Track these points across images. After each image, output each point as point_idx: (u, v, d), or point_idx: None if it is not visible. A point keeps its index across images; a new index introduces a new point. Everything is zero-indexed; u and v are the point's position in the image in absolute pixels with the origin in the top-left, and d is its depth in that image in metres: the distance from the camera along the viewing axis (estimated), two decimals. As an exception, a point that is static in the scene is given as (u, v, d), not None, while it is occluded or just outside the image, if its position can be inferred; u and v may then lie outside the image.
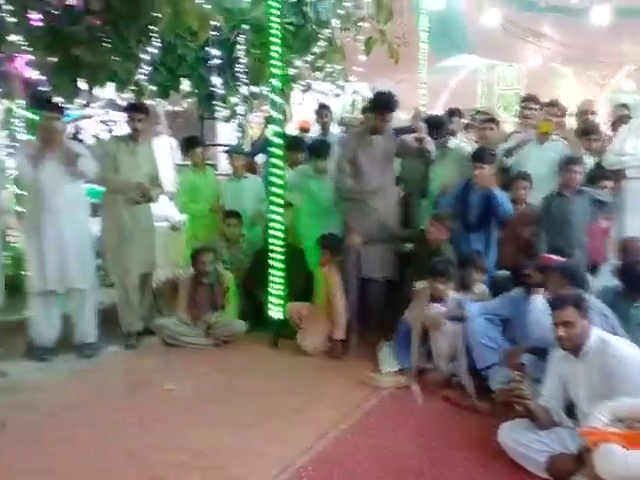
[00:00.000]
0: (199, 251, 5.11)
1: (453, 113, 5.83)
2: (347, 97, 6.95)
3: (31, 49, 4.46)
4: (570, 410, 3.05)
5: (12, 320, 4.68)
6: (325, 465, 3.04)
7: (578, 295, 3.05)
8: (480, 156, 4.61)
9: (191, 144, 5.77)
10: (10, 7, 4.10)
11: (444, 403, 3.82)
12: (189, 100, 7.06)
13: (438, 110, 8.95)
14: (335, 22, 5.83)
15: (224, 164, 7.67)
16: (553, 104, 5.54)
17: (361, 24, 5.80)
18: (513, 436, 3.06)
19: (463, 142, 5.38)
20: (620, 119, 5.49)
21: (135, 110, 4.85)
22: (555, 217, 4.53)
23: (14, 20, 4.14)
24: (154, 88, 5.67)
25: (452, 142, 5.20)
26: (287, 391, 3.95)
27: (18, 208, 5.10)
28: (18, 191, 5.04)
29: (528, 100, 5.43)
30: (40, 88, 4.76)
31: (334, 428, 3.43)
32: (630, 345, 2.97)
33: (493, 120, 5.50)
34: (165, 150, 7.14)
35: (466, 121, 6.08)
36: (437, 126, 5.02)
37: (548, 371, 3.13)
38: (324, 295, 4.82)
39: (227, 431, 3.38)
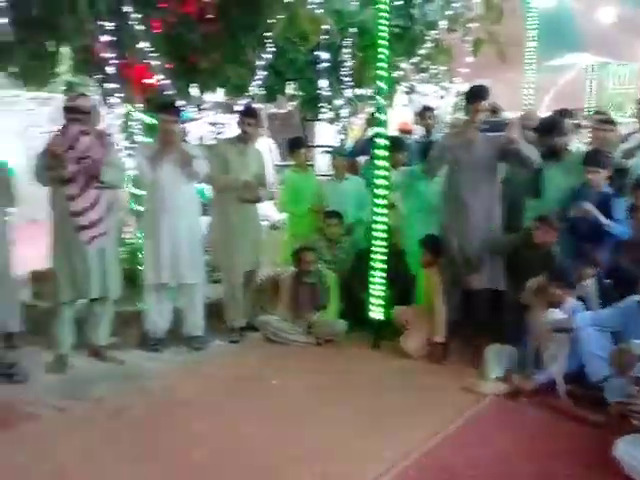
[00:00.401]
0: (302, 250, 5.21)
1: (563, 114, 5.62)
2: (451, 99, 6.87)
3: (155, 56, 4.68)
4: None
5: (127, 311, 4.97)
6: (431, 468, 3.04)
7: None
8: (595, 159, 4.42)
9: (296, 145, 5.91)
10: (138, 15, 4.33)
11: (553, 412, 3.70)
12: (292, 103, 7.23)
13: (543, 110, 8.68)
14: (442, 23, 5.77)
15: (323, 165, 7.80)
16: None
17: (469, 25, 5.71)
18: (631, 452, 2.92)
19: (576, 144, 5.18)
20: None
21: (248, 115, 5.02)
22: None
23: (142, 28, 4.37)
24: (263, 92, 5.84)
25: (571, 144, 4.99)
26: (391, 394, 3.97)
27: (134, 206, 5.40)
28: (135, 191, 5.33)
29: None
30: (160, 93, 5.00)
31: (439, 432, 3.41)
32: None
33: (612, 121, 5.24)
34: (265, 151, 7.35)
35: (577, 122, 5.85)
36: (551, 127, 4.84)
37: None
38: (426, 297, 4.80)
39: (336, 430, 3.43)
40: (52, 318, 4.41)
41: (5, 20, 4.09)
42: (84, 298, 4.45)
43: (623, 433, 3.03)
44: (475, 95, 4.61)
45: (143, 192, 4.89)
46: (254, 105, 5.64)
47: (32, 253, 5.09)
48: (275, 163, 10.47)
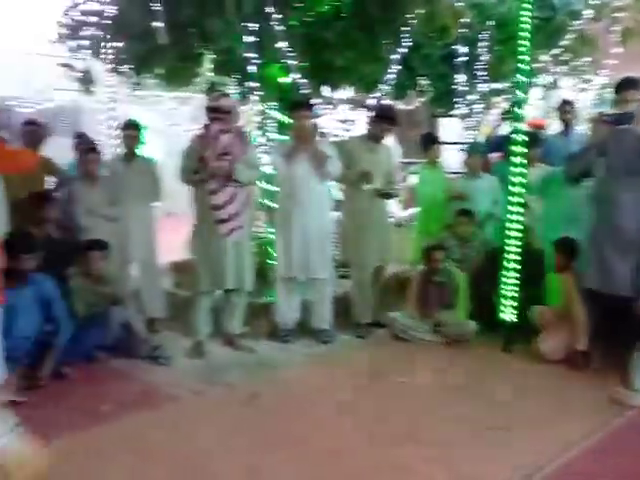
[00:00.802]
0: (431, 248, 5.14)
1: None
2: (593, 92, 6.47)
3: (291, 55, 4.80)
4: None
5: (258, 303, 5.16)
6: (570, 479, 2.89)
7: None
8: None
9: (430, 141, 5.84)
10: (279, 16, 4.46)
11: None
12: (421, 99, 7.14)
13: None
14: (587, 13, 5.45)
15: (452, 162, 7.63)
16: None
17: (617, 14, 5.34)
18: None
19: None
20: None
21: (386, 119, 4.99)
22: None
23: (281, 28, 4.50)
24: (391, 89, 5.81)
25: None
26: (526, 399, 3.81)
27: (266, 202, 5.57)
28: (267, 186, 5.49)
29: None
30: (294, 91, 5.12)
31: (578, 443, 3.22)
32: None
33: None
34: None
35: None
36: None
37: None
38: (562, 301, 4.57)
39: (469, 432, 3.36)
40: (191, 307, 4.68)
41: (161, 24, 4.33)
42: (221, 289, 4.66)
43: None
44: (625, 85, 4.31)
45: (276, 188, 5.03)
46: (387, 103, 5.63)
47: (172, 244, 5.42)
48: (399, 160, 10.46)
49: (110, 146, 6.54)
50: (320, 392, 3.91)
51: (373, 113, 5.21)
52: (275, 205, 5.06)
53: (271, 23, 4.45)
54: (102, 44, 5.48)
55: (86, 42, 5.49)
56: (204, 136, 4.39)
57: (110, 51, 5.48)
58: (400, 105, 8.47)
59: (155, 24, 4.41)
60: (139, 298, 5.10)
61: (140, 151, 5.24)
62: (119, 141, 5.22)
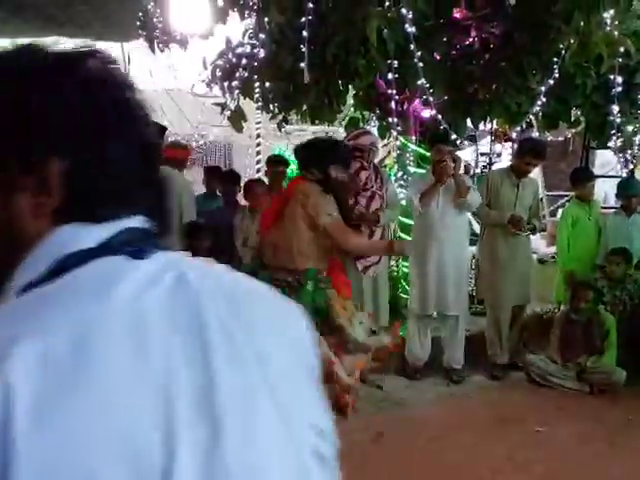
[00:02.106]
0: (578, 286, 4.85)
1: None
2: None
3: (432, 90, 4.79)
4: None
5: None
6: None
7: None
8: None
9: (583, 177, 5.53)
10: (420, 53, 4.48)
11: None
12: (572, 130, 6.77)
13: None
14: None
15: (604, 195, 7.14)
16: None
17: None
18: None
19: None
20: None
21: (536, 156, 4.80)
22: None
23: (421, 65, 4.52)
24: (542, 120, 5.58)
25: None
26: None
27: (400, 234, 5.54)
28: (403, 219, 5.46)
29: None
30: (435, 125, 5.09)
31: None
32: None
33: None
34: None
35: None
36: None
37: None
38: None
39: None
40: None
41: (303, 64, 4.52)
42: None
43: None
44: None
45: (411, 221, 4.99)
46: (536, 137, 5.40)
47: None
48: (545, 193, 9.96)
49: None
50: (449, 434, 3.77)
51: (519, 146, 5.04)
52: (411, 239, 5.02)
53: (414, 60, 4.46)
54: (252, 85, 5.80)
55: (237, 82, 5.84)
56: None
57: (259, 90, 5.79)
58: (550, 136, 8.14)
59: (301, 64, 4.59)
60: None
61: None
62: (266, 175, 5.45)
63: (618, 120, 4.99)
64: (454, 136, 5.01)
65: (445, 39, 5.14)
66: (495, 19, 4.94)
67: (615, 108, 4.88)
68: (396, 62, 4.63)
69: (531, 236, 6.95)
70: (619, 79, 4.78)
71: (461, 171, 5.32)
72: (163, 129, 3.58)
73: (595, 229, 5.49)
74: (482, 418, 4.05)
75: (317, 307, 3.08)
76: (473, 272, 5.90)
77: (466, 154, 7.12)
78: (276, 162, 5.32)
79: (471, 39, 5.28)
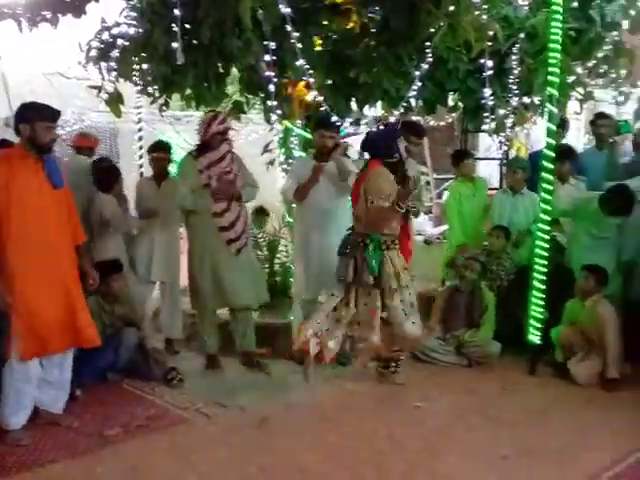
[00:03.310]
0: (469, 258, 5.04)
1: None
2: (631, 105, 6.19)
3: (312, 72, 4.75)
4: None
5: (276, 324, 5.07)
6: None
7: None
8: None
9: (460, 157, 5.76)
10: (298, 34, 4.42)
11: None
12: (452, 114, 6.97)
13: None
14: (625, 24, 5.22)
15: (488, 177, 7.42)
16: None
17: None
18: None
19: None
20: None
21: (416, 134, 4.86)
22: None
23: (300, 46, 4.46)
24: (421, 104, 5.69)
25: None
26: (548, 426, 3.62)
27: (290, 219, 5.50)
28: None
29: None
30: (318, 108, 5.06)
31: (599, 475, 3.03)
32: None
33: None
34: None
35: None
36: None
37: None
38: (593, 327, 4.35)
39: (483, 462, 3.19)
40: (199, 324, 4.69)
41: (177, 45, 4.34)
42: (229, 306, 4.64)
43: None
44: None
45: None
46: (418, 121, 5.53)
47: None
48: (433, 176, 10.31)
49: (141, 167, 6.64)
50: (333, 417, 3.79)
51: (400, 128, 5.11)
52: (294, 223, 4.99)
53: (291, 41, 4.40)
54: (130, 66, 5.53)
55: (114, 64, 5.54)
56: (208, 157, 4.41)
57: (137, 73, 5.53)
58: (432, 121, 8.37)
59: (174, 45, 4.41)
60: (158, 319, 5.09)
61: (171, 171, 5.27)
62: (149, 162, 5.23)
63: (491, 103, 5.15)
64: (337, 120, 5.00)
65: (326, 23, 5.12)
66: (374, 3, 4.96)
67: (487, 92, 5.04)
68: (273, 44, 4.54)
69: (418, 218, 7.18)
70: (490, 63, 4.93)
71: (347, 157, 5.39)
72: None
73: (480, 206, 5.71)
74: (366, 399, 4.10)
75: (373, 265, 3.96)
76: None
77: (353, 139, 7.17)
78: (156, 149, 5.11)
79: (352, 24, 5.30)
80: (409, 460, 3.21)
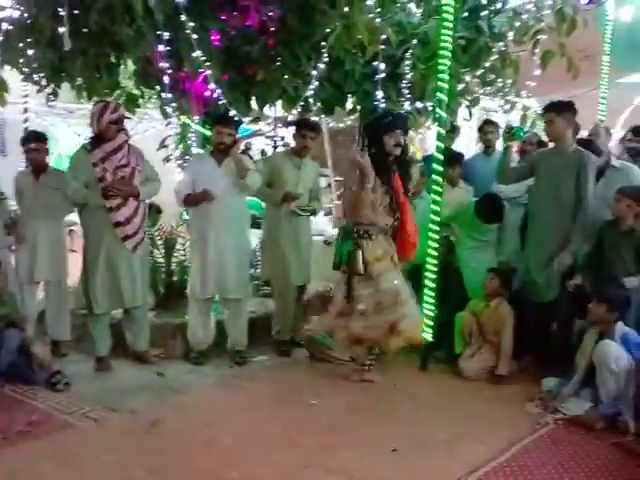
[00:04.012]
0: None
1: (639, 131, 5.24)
2: (517, 113, 6.56)
3: (209, 64, 4.67)
4: None
5: (172, 323, 4.94)
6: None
7: None
8: None
9: None
10: (192, 24, 4.33)
11: (610, 447, 3.40)
12: (352, 117, 7.06)
13: (618, 129, 8.20)
14: (511, 35, 5.52)
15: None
16: None
17: (540, 36, 5.43)
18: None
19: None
20: None
21: (308, 127, 4.96)
22: None
23: (195, 37, 4.38)
24: (320, 104, 5.73)
25: (617, 161, 4.72)
26: (437, 419, 3.74)
27: (187, 217, 5.38)
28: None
29: None
30: (216, 104, 4.99)
31: (484, 465, 3.16)
32: None
33: None
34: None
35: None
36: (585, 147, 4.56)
37: None
38: (492, 326, 4.58)
39: (374, 456, 3.25)
40: (90, 324, 4.51)
41: (64, 30, 4.13)
42: (120, 307, 4.49)
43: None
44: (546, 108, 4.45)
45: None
46: (312, 117, 5.57)
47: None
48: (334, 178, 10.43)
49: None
50: (227, 416, 3.74)
51: (295, 124, 5.14)
52: (190, 221, 4.90)
53: (187, 31, 4.31)
54: (15, 52, 5.21)
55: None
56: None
57: (22, 59, 5.22)
58: (331, 123, 8.49)
59: (61, 30, 4.20)
60: (43, 320, 4.83)
61: (51, 163, 5.00)
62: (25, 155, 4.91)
63: (384, 106, 5.27)
64: (235, 116, 4.96)
65: (224, 18, 5.04)
66: (271, 1, 4.95)
67: (380, 94, 5.16)
68: (167, 34, 4.44)
69: (318, 218, 7.23)
70: (383, 67, 5.06)
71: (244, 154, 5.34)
72: None
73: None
74: (261, 398, 4.07)
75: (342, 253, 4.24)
76: (259, 254, 5.95)
77: (252, 138, 7.16)
78: (30, 140, 4.80)
79: (250, 21, 5.25)
80: (302, 457, 3.22)
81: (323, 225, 8.25)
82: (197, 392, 4.13)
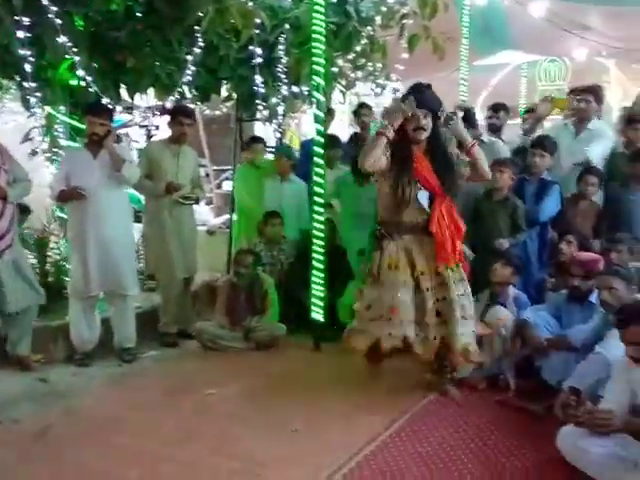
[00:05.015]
0: (239, 253, 5.07)
1: (498, 108, 5.61)
2: (388, 96, 6.81)
3: (76, 51, 4.42)
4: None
5: (53, 325, 4.67)
6: (371, 471, 2.92)
7: None
8: (541, 143, 4.50)
9: (250, 142, 5.92)
10: (55, 8, 4.07)
11: (494, 405, 3.67)
12: (227, 104, 6.98)
13: (478, 109, 8.74)
14: (378, 19, 5.69)
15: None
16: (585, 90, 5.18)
17: (405, 21, 5.64)
18: (574, 441, 2.86)
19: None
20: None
21: (183, 114, 4.84)
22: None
23: (59, 22, 4.13)
24: (195, 92, 5.61)
25: (485, 137, 5.06)
26: (333, 397, 3.82)
27: (60, 214, 5.10)
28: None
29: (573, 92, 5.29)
30: (86, 93, 4.74)
31: (382, 434, 3.30)
32: None
33: None
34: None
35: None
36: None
37: (613, 376, 2.92)
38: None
39: (275, 438, 3.28)
40: None
41: None
42: (3, 311, 4.17)
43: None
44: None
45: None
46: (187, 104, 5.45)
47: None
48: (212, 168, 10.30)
49: None
50: (118, 416, 3.60)
51: (170, 112, 5.01)
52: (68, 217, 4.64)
53: (49, 16, 4.04)
54: None
55: None
56: None
57: None
58: (206, 111, 8.34)
59: None
60: None
61: None
62: None
63: (263, 91, 5.28)
64: (109, 106, 4.74)
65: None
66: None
67: (258, 78, 5.16)
68: (27, 19, 4.15)
69: (200, 208, 7.12)
70: (259, 51, 5.05)
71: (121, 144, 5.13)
72: None
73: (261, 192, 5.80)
74: (155, 393, 3.96)
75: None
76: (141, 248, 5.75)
77: (127, 127, 6.83)
78: None
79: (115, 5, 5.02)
80: (203, 448, 3.18)
81: (205, 215, 8.15)
82: (85, 394, 3.94)
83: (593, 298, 3.69)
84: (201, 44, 4.82)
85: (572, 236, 4.27)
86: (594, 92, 5.03)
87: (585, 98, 4.96)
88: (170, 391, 3.98)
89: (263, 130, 7.01)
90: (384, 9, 5.75)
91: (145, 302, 5.27)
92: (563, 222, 4.57)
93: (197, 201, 5.14)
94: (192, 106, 5.80)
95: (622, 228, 4.43)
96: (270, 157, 6.09)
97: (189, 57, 4.85)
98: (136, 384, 4.15)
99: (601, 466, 2.75)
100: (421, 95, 3.52)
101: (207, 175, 10.02)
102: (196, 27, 4.69)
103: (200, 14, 4.54)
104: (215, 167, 10.47)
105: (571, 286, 3.82)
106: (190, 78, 5.09)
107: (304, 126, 9.06)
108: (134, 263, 4.80)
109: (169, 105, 5.36)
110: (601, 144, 4.86)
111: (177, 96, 5.35)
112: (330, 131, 6.39)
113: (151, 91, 5.60)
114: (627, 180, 4.66)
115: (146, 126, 6.83)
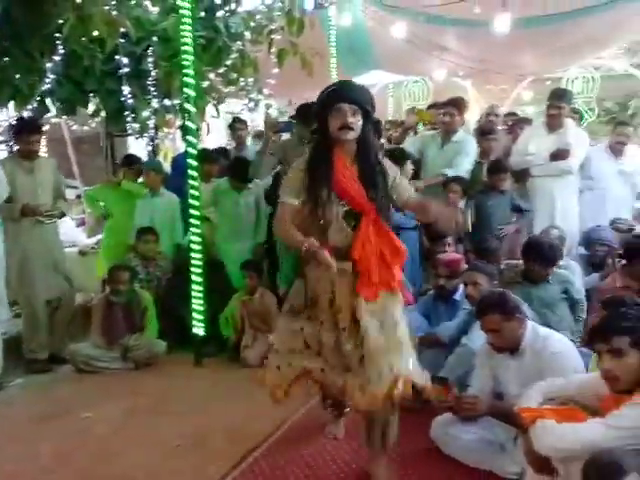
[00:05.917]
0: (114, 269, 4.88)
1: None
2: (261, 111, 6.88)
3: None
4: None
5: None
6: (255, 477, 2.95)
7: (502, 297, 2.92)
8: (391, 154, 4.67)
9: (128, 162, 5.81)
10: None
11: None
12: (97, 119, 6.72)
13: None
14: (247, 35, 5.74)
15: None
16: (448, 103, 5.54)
17: (273, 36, 5.74)
18: (444, 430, 3.04)
19: None
20: (517, 124, 5.82)
21: (28, 131, 4.57)
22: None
23: None
24: (59, 104, 5.36)
25: None
26: (216, 410, 3.78)
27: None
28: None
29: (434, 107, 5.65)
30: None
31: (265, 442, 3.31)
32: (563, 336, 3.00)
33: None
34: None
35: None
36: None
37: (477, 363, 3.12)
38: (258, 316, 4.77)
39: (159, 454, 3.20)
40: None
41: None
42: None
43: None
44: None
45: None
46: (51, 119, 5.19)
47: None
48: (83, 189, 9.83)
49: None
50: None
51: (15, 128, 4.74)
52: None
53: None
54: None
55: None
56: None
57: None
58: (74, 126, 7.95)
59: None
60: None
61: None
62: None
63: (132, 104, 5.14)
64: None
65: None
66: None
67: (126, 89, 5.03)
68: None
69: (70, 229, 6.77)
70: (125, 61, 4.93)
71: None
72: None
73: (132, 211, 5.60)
74: (25, 422, 3.72)
75: None
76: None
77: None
78: None
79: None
80: (82, 470, 3.05)
81: (76, 235, 7.77)
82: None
83: (458, 296, 3.93)
84: (62, 53, 4.60)
85: (450, 238, 4.54)
86: (456, 104, 5.37)
87: (449, 112, 5.29)
88: (43, 417, 3.76)
89: (136, 145, 6.83)
90: (253, 24, 5.80)
91: (10, 328, 4.93)
92: (431, 227, 4.81)
93: (61, 216, 4.88)
94: (58, 120, 5.53)
95: (483, 230, 4.77)
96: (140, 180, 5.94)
97: (50, 67, 4.61)
98: (4, 413, 3.89)
99: (471, 451, 2.95)
100: (349, 89, 2.86)
101: (78, 197, 9.57)
102: (58, 35, 4.48)
103: (61, 22, 4.34)
104: (86, 187, 10.01)
105: (437, 286, 4.04)
106: (52, 89, 4.86)
107: (178, 142, 8.91)
108: (2, 287, 4.48)
109: (14, 121, 5.07)
110: (466, 160, 5.16)
111: (39, 108, 5.10)
112: (207, 145, 6.38)
113: (12, 104, 5.29)
114: (486, 188, 5.02)
115: (6, 141, 6.42)
